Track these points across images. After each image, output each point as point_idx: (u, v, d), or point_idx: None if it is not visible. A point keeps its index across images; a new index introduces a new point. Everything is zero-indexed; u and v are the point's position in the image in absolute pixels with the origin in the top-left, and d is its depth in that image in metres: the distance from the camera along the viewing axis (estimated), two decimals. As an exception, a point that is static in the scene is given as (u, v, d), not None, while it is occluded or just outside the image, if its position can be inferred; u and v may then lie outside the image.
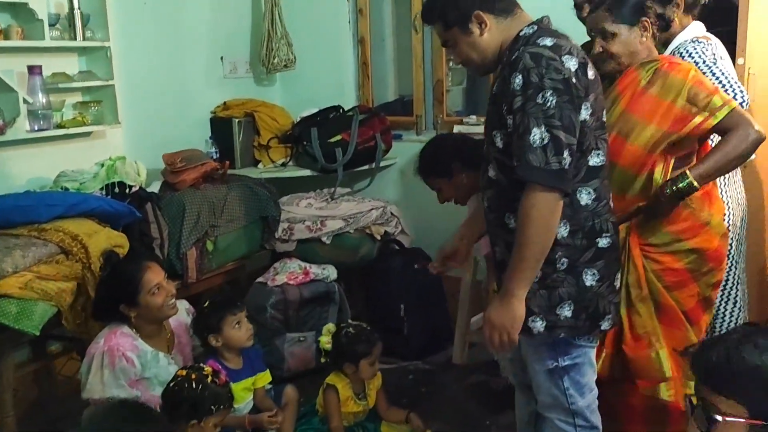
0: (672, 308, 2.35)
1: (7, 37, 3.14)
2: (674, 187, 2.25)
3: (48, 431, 3.03)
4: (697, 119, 2.25)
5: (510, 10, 2.02)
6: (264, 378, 2.84)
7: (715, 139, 2.37)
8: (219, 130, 4.27)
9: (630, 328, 2.34)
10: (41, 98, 3.22)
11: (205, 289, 3.45)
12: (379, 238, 3.92)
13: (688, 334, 2.35)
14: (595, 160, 1.98)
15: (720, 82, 2.47)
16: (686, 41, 2.61)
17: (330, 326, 2.93)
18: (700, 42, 2.59)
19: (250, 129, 4.30)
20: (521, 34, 1.98)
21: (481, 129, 3.31)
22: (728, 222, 2.61)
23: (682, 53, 2.56)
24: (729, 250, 2.55)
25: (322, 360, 2.92)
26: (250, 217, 3.66)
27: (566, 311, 2.00)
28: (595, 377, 2.16)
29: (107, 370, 2.45)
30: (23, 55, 3.26)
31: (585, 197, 1.98)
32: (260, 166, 4.28)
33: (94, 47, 3.51)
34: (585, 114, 1.90)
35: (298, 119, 4.31)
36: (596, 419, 2.17)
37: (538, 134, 1.82)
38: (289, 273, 3.61)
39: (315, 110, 4.32)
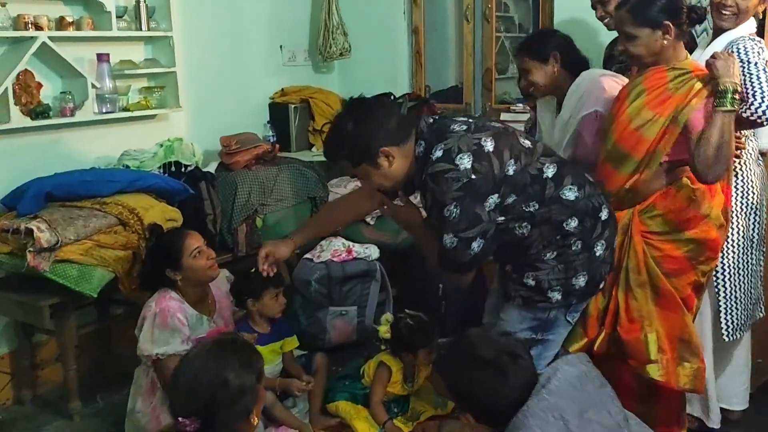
0: (671, 293, 2.43)
1: (78, 28, 3.41)
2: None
3: (107, 386, 3.34)
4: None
5: (408, 134, 2.17)
6: (291, 343, 3.05)
7: None
8: (276, 115, 4.50)
9: (626, 311, 2.45)
10: (108, 83, 3.50)
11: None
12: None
13: (685, 318, 2.44)
14: (550, 171, 2.18)
15: (753, 83, 2.45)
16: (744, 37, 2.61)
17: (388, 316, 3.04)
18: (757, 41, 2.59)
19: (305, 114, 4.52)
20: (417, 155, 2.17)
21: (525, 117, 3.48)
22: (747, 202, 2.67)
23: (738, 47, 2.54)
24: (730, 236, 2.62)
25: (382, 347, 3.03)
26: (299, 197, 3.86)
27: (581, 281, 2.25)
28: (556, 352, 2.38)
29: (158, 330, 2.66)
30: (93, 44, 3.52)
31: (570, 194, 2.19)
32: (314, 149, 4.49)
33: (158, 37, 3.76)
34: (512, 168, 2.11)
35: (351, 106, 4.49)
36: None
37: (448, 240, 2.12)
38: (333, 250, 3.79)
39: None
